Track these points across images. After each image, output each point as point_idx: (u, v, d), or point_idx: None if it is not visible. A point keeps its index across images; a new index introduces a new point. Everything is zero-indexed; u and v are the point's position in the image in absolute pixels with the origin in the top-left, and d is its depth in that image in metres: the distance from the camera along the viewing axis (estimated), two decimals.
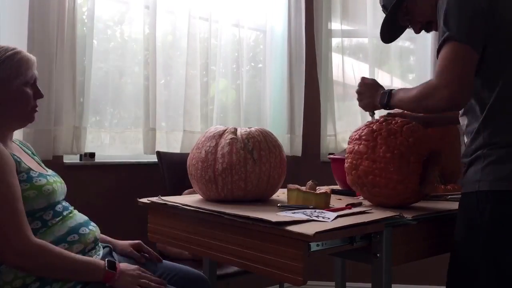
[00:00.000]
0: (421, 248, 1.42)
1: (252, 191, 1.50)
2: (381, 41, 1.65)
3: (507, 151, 1.28)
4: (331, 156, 1.96)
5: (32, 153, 1.56)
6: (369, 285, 1.31)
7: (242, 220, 1.26)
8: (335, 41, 3.27)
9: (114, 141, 2.42)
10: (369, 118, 1.62)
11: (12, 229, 1.24)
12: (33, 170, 1.40)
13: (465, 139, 1.42)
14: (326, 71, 3.25)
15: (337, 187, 1.96)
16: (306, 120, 3.21)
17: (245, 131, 1.53)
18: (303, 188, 1.45)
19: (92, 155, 2.33)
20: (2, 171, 1.27)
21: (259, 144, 1.51)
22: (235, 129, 1.56)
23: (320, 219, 1.24)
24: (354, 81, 3.17)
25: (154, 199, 1.59)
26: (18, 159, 1.37)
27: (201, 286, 1.63)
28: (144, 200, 1.61)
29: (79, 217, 1.47)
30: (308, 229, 1.13)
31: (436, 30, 1.44)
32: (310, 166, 3.18)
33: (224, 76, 2.88)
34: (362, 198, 1.68)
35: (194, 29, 2.64)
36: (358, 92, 1.61)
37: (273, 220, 1.18)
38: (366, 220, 1.25)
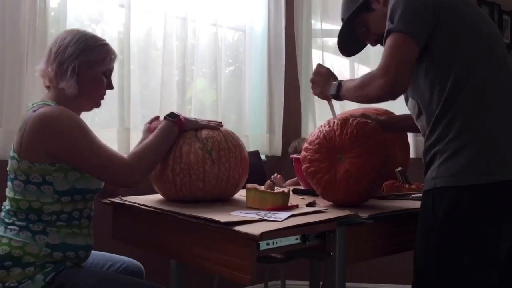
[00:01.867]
0: (377, 247, 1.42)
1: (211, 191, 1.50)
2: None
3: (460, 144, 1.26)
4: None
5: None
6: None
7: (194, 220, 1.27)
8: (315, 40, 3.28)
9: None
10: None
11: (113, 163, 1.42)
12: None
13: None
14: (306, 70, 3.25)
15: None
16: (287, 119, 3.22)
17: (205, 131, 1.54)
18: (262, 187, 1.46)
19: None
20: (87, 128, 1.45)
21: (219, 144, 1.51)
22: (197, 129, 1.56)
23: (272, 218, 1.25)
24: None
25: (115, 199, 1.60)
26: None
27: (140, 276, 1.68)
28: (105, 200, 1.61)
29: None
30: (256, 229, 1.13)
31: None
32: (291, 166, 3.17)
33: (203, 76, 2.88)
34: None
35: (171, 28, 2.64)
36: (312, 80, 1.66)
37: (222, 220, 1.19)
38: (317, 220, 1.25)
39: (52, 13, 2.31)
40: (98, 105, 1.61)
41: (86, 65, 1.49)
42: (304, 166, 1.55)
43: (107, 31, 2.50)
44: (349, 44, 1.63)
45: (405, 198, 1.70)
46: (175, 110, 2.61)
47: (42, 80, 1.56)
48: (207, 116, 2.85)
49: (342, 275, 1.29)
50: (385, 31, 1.33)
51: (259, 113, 3.13)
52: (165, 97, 2.63)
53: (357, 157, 1.45)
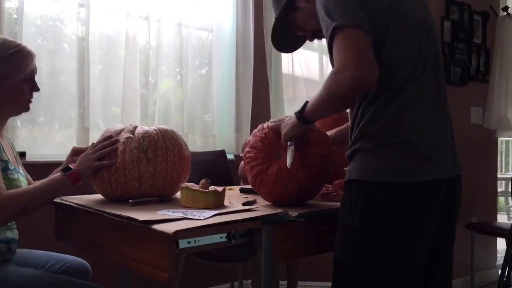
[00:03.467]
0: (308, 245, 1.42)
1: (147, 191, 1.50)
2: None
3: (381, 142, 1.26)
4: (242, 155, 1.96)
5: (12, 147, 1.66)
6: None
7: (118, 219, 1.27)
8: None
9: (47, 140, 2.41)
10: None
11: None
12: (11, 163, 1.51)
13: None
14: (276, 69, 3.25)
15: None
16: (256, 118, 3.22)
17: (142, 130, 1.53)
18: (195, 186, 1.46)
19: (22, 154, 2.32)
20: None
21: (155, 143, 1.51)
22: (135, 128, 1.56)
23: (196, 217, 1.25)
24: (302, 76, 3.22)
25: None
26: (2, 148, 1.49)
27: (85, 275, 1.69)
28: None
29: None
30: (174, 227, 1.13)
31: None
32: None
33: (169, 76, 2.88)
34: None
35: (133, 28, 2.64)
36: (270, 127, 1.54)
37: (141, 219, 1.19)
38: (241, 218, 1.25)
39: (13, 14, 2.31)
40: (27, 109, 1.60)
41: (1, 77, 1.48)
42: (246, 167, 1.57)
43: (67, 31, 2.50)
44: (289, 40, 1.61)
45: None
46: (138, 110, 2.64)
47: None
48: (173, 116, 2.85)
49: (269, 273, 1.29)
50: (329, 30, 1.23)
51: (227, 112, 3.12)
52: (128, 97, 2.63)
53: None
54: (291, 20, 1.51)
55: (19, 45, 1.53)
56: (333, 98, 1.24)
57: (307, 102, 1.36)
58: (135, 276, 1.92)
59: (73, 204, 1.48)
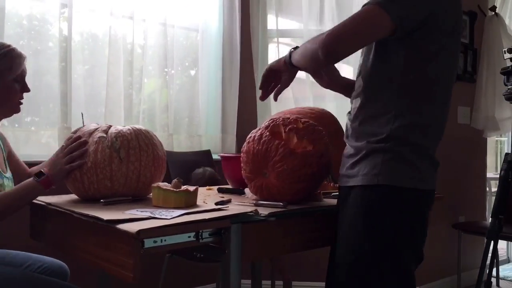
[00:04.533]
0: (280, 244, 1.42)
1: (120, 190, 1.50)
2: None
3: (408, 148, 1.32)
4: (222, 154, 1.97)
5: (2, 148, 1.66)
6: None
7: (85, 218, 1.27)
8: (271, 39, 3.29)
9: (29, 140, 2.41)
10: None
11: None
12: None
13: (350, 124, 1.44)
14: (263, 68, 3.23)
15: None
16: (242, 119, 3.22)
17: (115, 130, 1.53)
18: (167, 186, 1.46)
19: None
20: None
21: (128, 143, 1.51)
22: (109, 127, 1.56)
23: (163, 216, 1.25)
24: None
25: None
26: None
27: (63, 276, 1.69)
28: None
29: None
30: (137, 226, 1.13)
31: None
32: None
33: (154, 77, 2.88)
34: (248, 196, 1.69)
35: (117, 28, 2.64)
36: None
37: (106, 218, 1.19)
38: (209, 217, 1.25)
39: None
40: (17, 110, 1.64)
41: None
42: (242, 169, 1.61)
43: (49, 31, 2.50)
44: None
45: (328, 196, 1.71)
46: (122, 110, 2.64)
47: None
48: (158, 117, 2.84)
49: (237, 272, 1.29)
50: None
51: (214, 113, 3.13)
52: (112, 97, 2.62)
53: (276, 186, 1.50)
54: None
55: (9, 45, 1.58)
56: (309, 53, 1.34)
57: (297, 46, 1.46)
58: (112, 278, 1.92)
59: (44, 204, 1.48)
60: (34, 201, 1.55)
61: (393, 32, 1.25)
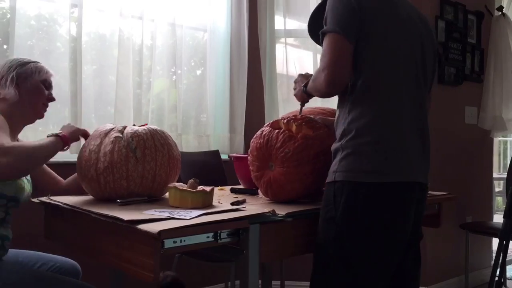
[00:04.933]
0: (295, 245, 1.43)
1: (136, 190, 1.50)
2: None
3: (360, 143, 1.35)
4: (233, 155, 1.97)
5: None
6: None
7: (103, 219, 1.27)
8: (279, 39, 3.29)
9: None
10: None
11: None
12: None
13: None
14: (270, 69, 3.26)
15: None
16: (250, 119, 3.22)
17: (131, 130, 1.53)
18: (183, 186, 1.46)
19: None
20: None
21: (144, 143, 1.51)
22: (124, 128, 1.56)
23: (182, 217, 1.25)
24: (296, 75, 3.21)
25: (43, 198, 1.59)
26: None
27: (75, 275, 1.71)
28: (34, 199, 1.61)
29: None
30: (159, 227, 1.13)
31: None
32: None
33: (162, 76, 2.88)
34: (261, 196, 1.69)
35: (126, 28, 2.64)
36: (295, 81, 1.77)
37: (126, 218, 1.19)
38: (227, 218, 1.25)
39: (7, 14, 2.31)
40: (41, 115, 1.69)
41: (23, 75, 1.61)
42: (250, 168, 1.63)
43: (60, 31, 2.50)
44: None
45: None
46: (131, 110, 2.65)
47: None
48: (166, 116, 2.85)
49: (256, 273, 1.29)
50: (320, 33, 1.42)
51: (222, 113, 3.12)
52: (121, 97, 2.62)
53: (283, 174, 1.52)
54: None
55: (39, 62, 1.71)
56: (318, 91, 1.48)
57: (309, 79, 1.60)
58: (125, 277, 1.92)
59: (61, 204, 1.48)
60: (49, 201, 1.55)
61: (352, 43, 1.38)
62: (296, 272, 2.85)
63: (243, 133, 3.17)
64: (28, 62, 1.65)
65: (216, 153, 2.92)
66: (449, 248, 3.31)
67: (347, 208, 1.33)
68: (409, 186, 1.37)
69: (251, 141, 1.65)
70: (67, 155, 2.42)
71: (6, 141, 1.42)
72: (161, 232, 1.10)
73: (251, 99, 3.22)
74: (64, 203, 1.48)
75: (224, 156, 3.03)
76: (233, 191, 1.82)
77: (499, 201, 6.72)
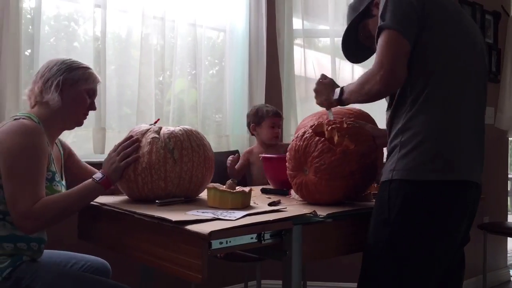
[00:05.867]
0: (336, 246, 1.43)
1: (173, 191, 1.50)
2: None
3: (420, 140, 1.32)
4: (263, 155, 1.97)
5: (61, 156, 1.70)
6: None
7: (149, 219, 1.27)
8: (297, 41, 3.29)
9: (64, 140, 2.41)
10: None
11: (17, 199, 1.35)
12: (57, 175, 1.55)
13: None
14: (288, 70, 3.25)
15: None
16: None
17: (168, 130, 1.54)
18: (222, 186, 1.46)
19: None
20: (37, 155, 1.42)
21: (181, 144, 1.51)
22: (160, 128, 1.56)
23: (227, 217, 1.25)
24: (315, 77, 3.20)
25: None
26: (52, 159, 1.53)
27: (105, 274, 1.71)
28: None
29: None
30: (207, 228, 1.14)
31: None
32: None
33: (183, 76, 2.88)
34: (293, 196, 1.69)
35: (148, 28, 2.64)
36: (315, 90, 1.71)
37: (174, 219, 1.19)
38: (272, 219, 1.26)
39: (27, 14, 2.32)
40: (80, 123, 1.66)
41: (69, 82, 1.56)
42: (286, 165, 1.64)
43: (83, 31, 2.50)
44: (355, 51, 1.70)
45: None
46: (153, 110, 2.65)
47: (28, 102, 1.60)
48: (187, 116, 2.85)
49: (298, 274, 1.29)
50: (377, 28, 1.37)
51: (240, 113, 3.12)
52: (143, 97, 2.63)
53: (314, 183, 1.52)
54: (363, 27, 1.59)
55: (89, 66, 1.67)
56: (366, 94, 1.41)
57: (342, 87, 1.56)
58: (156, 275, 1.92)
59: (98, 205, 1.48)
60: None
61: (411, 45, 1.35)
62: (318, 274, 2.85)
63: None
64: (77, 68, 1.60)
65: (237, 154, 2.91)
66: (468, 248, 3.29)
67: (402, 208, 1.30)
68: (468, 186, 1.35)
69: (292, 138, 1.64)
70: (99, 155, 2.43)
71: (37, 194, 1.36)
72: (211, 233, 1.10)
73: (269, 100, 3.22)
74: (102, 204, 1.48)
75: None
76: (264, 191, 1.82)
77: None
